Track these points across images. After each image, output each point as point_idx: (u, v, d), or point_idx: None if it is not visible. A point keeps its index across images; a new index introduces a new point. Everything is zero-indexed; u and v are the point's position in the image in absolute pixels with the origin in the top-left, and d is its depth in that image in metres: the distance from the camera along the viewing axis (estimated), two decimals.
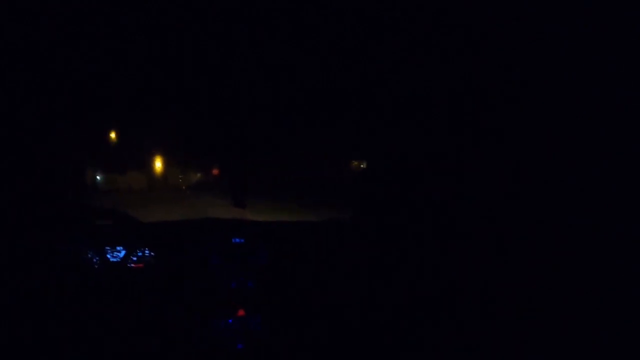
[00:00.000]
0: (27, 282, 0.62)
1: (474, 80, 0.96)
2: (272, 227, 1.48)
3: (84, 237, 1.11)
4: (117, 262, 1.21)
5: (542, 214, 0.82)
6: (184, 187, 12.83)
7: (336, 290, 1.26)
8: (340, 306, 1.22)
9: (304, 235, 1.43)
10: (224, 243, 1.33)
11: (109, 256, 1.22)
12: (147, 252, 1.26)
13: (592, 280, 0.73)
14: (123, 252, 1.24)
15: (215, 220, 1.48)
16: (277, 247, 1.35)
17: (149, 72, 1.27)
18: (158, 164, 14.23)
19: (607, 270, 0.70)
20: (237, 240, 1.35)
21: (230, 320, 1.25)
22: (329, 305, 1.23)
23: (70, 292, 0.89)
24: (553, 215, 0.80)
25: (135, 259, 1.25)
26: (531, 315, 0.83)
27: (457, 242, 0.96)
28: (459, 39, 0.96)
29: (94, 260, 1.18)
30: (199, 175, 14.02)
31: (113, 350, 0.95)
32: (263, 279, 1.30)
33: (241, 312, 1.26)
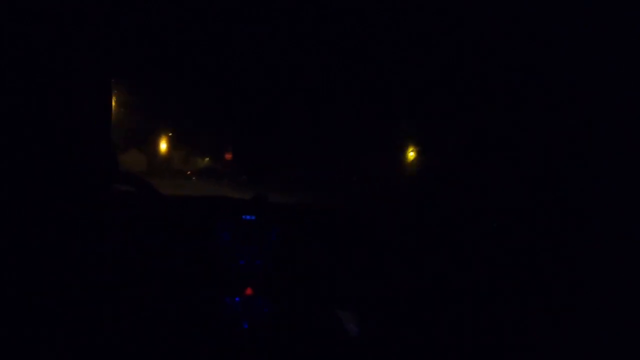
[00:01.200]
0: (49, 249, 0.61)
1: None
2: (284, 207, 1.62)
3: (100, 202, 1.12)
4: (130, 230, 1.26)
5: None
6: (188, 173, 11.63)
7: (346, 276, 1.38)
8: (348, 293, 1.36)
9: (316, 218, 1.56)
10: (235, 219, 1.44)
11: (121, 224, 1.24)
12: (158, 223, 1.32)
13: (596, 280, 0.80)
14: (138, 220, 1.29)
15: (227, 198, 1.62)
16: (288, 227, 1.46)
17: (163, 34, 1.29)
18: (163, 145, 12.65)
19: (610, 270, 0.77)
20: (248, 217, 1.47)
21: (237, 299, 1.35)
22: (338, 290, 1.37)
23: (82, 261, 0.90)
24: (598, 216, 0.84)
25: (145, 229, 1.30)
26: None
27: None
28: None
29: (107, 226, 1.19)
30: (206, 160, 12.58)
31: (115, 323, 0.98)
32: (272, 258, 1.41)
33: (249, 291, 1.37)
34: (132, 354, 0.98)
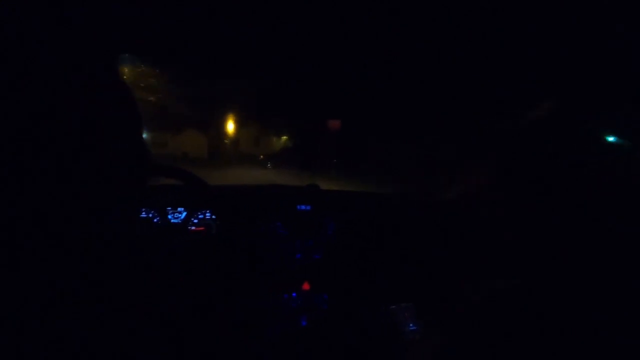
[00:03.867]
0: (85, 243, 0.44)
1: None
2: (341, 196, 1.37)
3: (143, 196, 0.98)
4: (177, 224, 1.12)
5: None
6: (261, 157, 8.64)
7: (408, 271, 1.17)
8: (408, 288, 1.15)
9: (376, 207, 1.31)
10: (289, 210, 1.23)
11: (169, 217, 1.13)
12: (208, 215, 1.15)
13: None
14: (184, 214, 1.13)
15: (281, 187, 1.36)
16: (346, 218, 1.25)
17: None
18: (230, 125, 9.62)
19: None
20: (303, 207, 1.24)
21: (294, 294, 1.15)
22: (398, 285, 1.15)
23: (127, 255, 0.60)
24: None
25: (196, 221, 1.14)
26: None
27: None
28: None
29: (154, 221, 1.08)
30: (283, 139, 9.35)
31: (168, 315, 0.75)
32: (330, 252, 1.21)
33: (306, 286, 1.16)
34: (190, 352, 0.79)
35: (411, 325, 1.09)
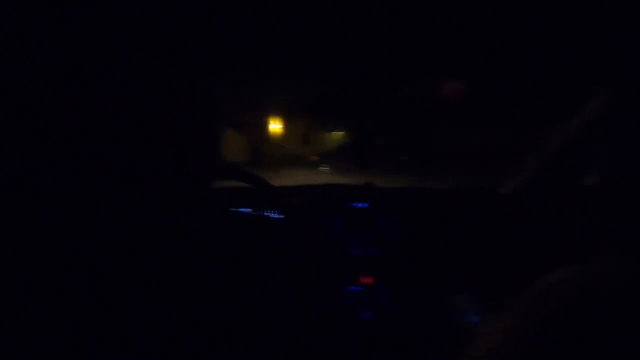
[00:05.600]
0: (149, 245, 0.51)
1: None
2: (399, 193, 1.46)
3: (206, 197, 0.98)
4: (241, 223, 1.16)
5: None
6: (312, 158, 7.16)
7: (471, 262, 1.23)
8: (471, 280, 1.20)
9: (435, 203, 1.39)
10: (346, 207, 1.34)
11: (235, 216, 1.17)
12: (271, 214, 1.23)
13: None
14: (249, 214, 1.21)
15: (338, 186, 1.49)
16: (404, 215, 1.33)
17: None
18: (273, 124, 8.22)
19: None
20: (360, 204, 1.35)
21: (353, 288, 1.24)
22: (460, 278, 1.21)
23: (193, 254, 0.68)
24: None
25: (261, 220, 1.22)
26: None
27: None
28: None
29: (218, 221, 1.11)
30: (337, 134, 7.75)
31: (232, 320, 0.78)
32: (390, 247, 1.30)
33: (366, 280, 1.25)
34: (253, 349, 0.85)
35: (474, 316, 1.12)
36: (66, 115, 0.38)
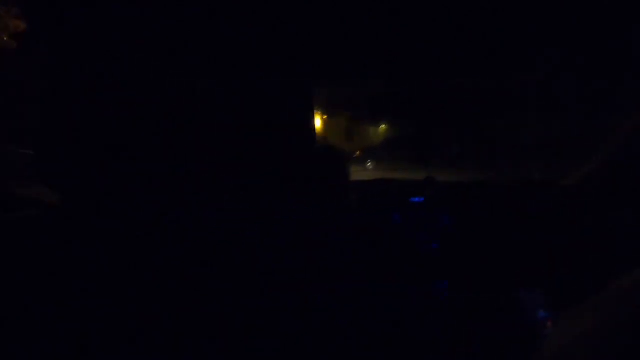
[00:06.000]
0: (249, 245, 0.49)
1: None
2: (456, 187, 1.44)
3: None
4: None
5: None
6: (358, 153, 6.85)
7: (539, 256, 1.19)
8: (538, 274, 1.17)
9: (494, 198, 1.35)
10: (402, 202, 1.30)
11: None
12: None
13: None
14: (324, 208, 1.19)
15: (390, 181, 1.46)
16: (462, 209, 1.30)
17: None
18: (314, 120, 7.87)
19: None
20: (416, 199, 1.31)
21: (415, 285, 1.15)
22: (526, 272, 1.17)
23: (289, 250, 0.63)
24: None
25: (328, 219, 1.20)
26: None
27: None
28: None
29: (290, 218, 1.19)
30: (383, 127, 7.28)
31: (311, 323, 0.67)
32: (449, 241, 1.27)
33: (426, 275, 1.22)
34: (331, 351, 0.79)
35: (541, 312, 1.06)
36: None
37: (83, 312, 0.36)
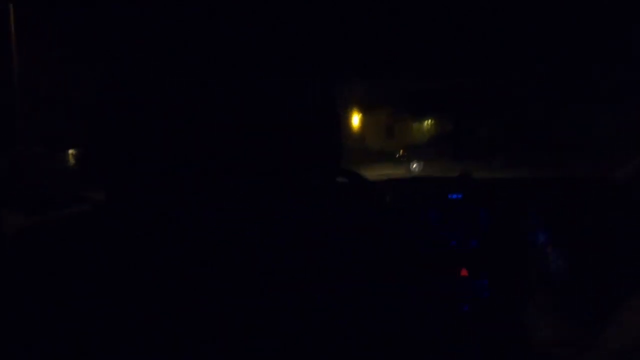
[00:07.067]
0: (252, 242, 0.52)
1: None
2: (494, 184, 1.47)
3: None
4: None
5: None
6: (401, 152, 6.35)
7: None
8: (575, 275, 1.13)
9: (534, 193, 1.37)
10: (441, 200, 1.34)
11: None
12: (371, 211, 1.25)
13: None
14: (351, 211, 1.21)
15: (429, 178, 1.55)
16: (501, 206, 1.33)
17: None
18: (354, 119, 7.67)
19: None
20: (455, 196, 1.34)
21: (452, 281, 1.25)
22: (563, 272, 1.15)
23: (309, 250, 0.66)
24: None
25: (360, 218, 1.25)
26: None
27: None
28: None
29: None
30: (428, 124, 6.74)
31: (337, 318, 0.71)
32: (487, 239, 1.30)
33: (464, 272, 1.24)
34: (351, 346, 0.70)
35: (584, 312, 1.04)
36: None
37: (83, 312, 0.38)
